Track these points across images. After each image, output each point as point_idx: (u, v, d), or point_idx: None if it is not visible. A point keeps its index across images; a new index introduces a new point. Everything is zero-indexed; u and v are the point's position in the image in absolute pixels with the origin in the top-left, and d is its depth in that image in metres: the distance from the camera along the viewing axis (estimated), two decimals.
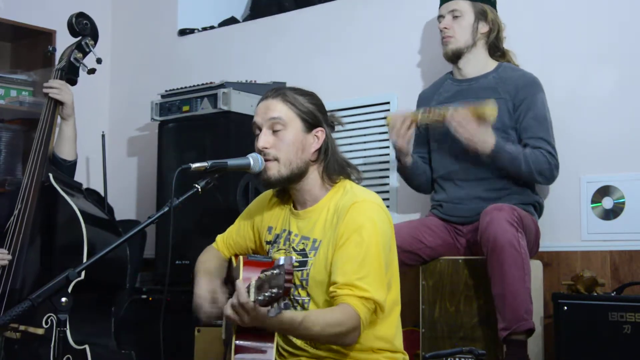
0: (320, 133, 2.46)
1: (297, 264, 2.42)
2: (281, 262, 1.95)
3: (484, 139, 3.19)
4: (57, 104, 3.53)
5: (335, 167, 2.46)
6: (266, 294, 1.95)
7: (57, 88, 3.54)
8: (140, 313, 4.05)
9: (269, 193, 2.62)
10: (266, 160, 2.41)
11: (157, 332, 2.66)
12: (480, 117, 3.15)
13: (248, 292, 2.06)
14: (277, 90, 2.46)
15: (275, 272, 1.94)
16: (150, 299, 4.06)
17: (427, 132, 3.54)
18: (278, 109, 2.42)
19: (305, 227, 2.46)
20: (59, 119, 3.59)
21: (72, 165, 3.64)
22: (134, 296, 4.07)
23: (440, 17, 3.49)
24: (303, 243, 2.45)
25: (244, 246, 2.68)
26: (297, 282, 2.42)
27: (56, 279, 2.26)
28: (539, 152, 3.27)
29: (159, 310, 3.01)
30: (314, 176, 2.46)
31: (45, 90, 3.56)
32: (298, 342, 2.38)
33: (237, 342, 2.27)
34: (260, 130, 2.44)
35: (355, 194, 2.42)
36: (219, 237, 2.76)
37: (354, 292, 2.25)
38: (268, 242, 2.57)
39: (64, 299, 2.28)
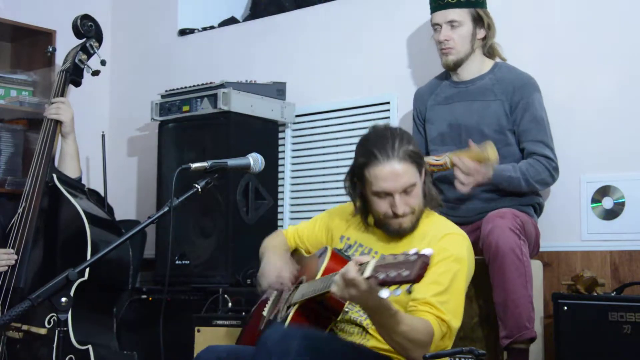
0: (424, 170, 2.52)
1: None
2: (425, 252, 1.96)
3: (485, 177, 3.16)
4: (58, 123, 3.56)
5: (429, 194, 2.55)
6: (391, 274, 1.95)
7: (55, 108, 3.57)
8: (140, 313, 4.05)
9: (342, 206, 2.73)
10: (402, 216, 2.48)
11: (157, 332, 2.67)
12: (482, 161, 3.10)
13: (363, 268, 2.05)
14: (397, 150, 2.44)
15: (412, 258, 1.95)
16: (150, 299, 4.06)
17: (425, 133, 3.54)
18: (408, 172, 2.44)
19: (386, 249, 2.50)
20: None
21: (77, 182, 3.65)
22: (134, 296, 4.07)
23: (436, 25, 3.43)
24: None
25: (313, 240, 2.77)
26: None
27: (56, 279, 2.26)
28: (536, 160, 3.25)
29: (159, 310, 3.01)
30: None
31: (45, 114, 3.59)
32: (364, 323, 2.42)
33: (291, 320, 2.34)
34: (389, 194, 2.45)
35: (447, 225, 2.55)
36: (290, 230, 2.85)
37: (433, 311, 2.34)
38: (338, 250, 2.61)
39: (64, 299, 2.28)
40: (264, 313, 2.60)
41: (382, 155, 2.42)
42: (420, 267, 1.92)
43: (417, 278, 1.93)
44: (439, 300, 2.35)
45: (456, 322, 2.41)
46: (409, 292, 1.97)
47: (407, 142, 2.46)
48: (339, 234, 2.67)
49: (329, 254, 2.46)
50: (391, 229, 2.50)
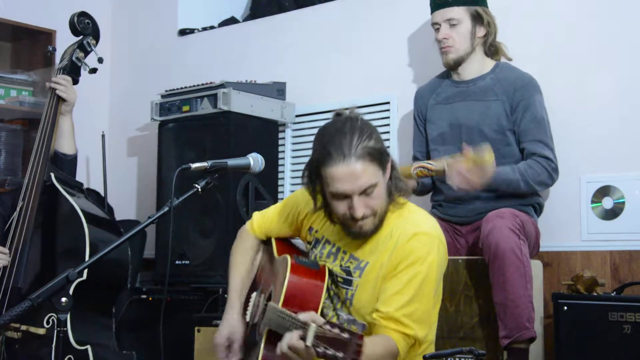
0: (388, 163, 2.35)
1: (341, 279, 2.42)
2: (360, 330, 1.93)
3: (483, 181, 3.11)
4: (60, 101, 3.53)
5: (397, 188, 2.38)
6: (329, 352, 1.90)
7: (64, 85, 3.55)
8: (140, 313, 4.05)
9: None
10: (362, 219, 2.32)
11: (157, 332, 2.67)
12: (479, 166, 3.05)
13: (305, 335, 1.96)
14: (355, 147, 2.24)
15: (346, 338, 1.89)
16: (150, 299, 4.06)
17: (425, 133, 3.54)
18: (366, 173, 2.25)
19: (354, 247, 2.41)
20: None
21: (73, 160, 3.63)
22: (134, 296, 4.07)
23: (436, 24, 3.44)
24: (350, 262, 2.42)
25: (283, 234, 2.67)
26: (341, 298, 2.41)
27: (56, 279, 2.26)
28: (535, 161, 3.25)
29: (159, 310, 3.01)
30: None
31: (53, 85, 3.55)
32: None
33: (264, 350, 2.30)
34: (347, 196, 2.27)
35: (416, 222, 2.36)
36: (255, 221, 2.71)
37: (397, 327, 2.25)
38: (309, 243, 2.56)
39: (64, 299, 2.28)
40: (247, 317, 2.58)
41: (338, 154, 2.23)
42: (353, 351, 1.87)
43: None
44: (403, 314, 2.25)
45: (423, 331, 2.30)
46: None
47: (368, 137, 2.25)
48: (308, 224, 2.56)
49: (288, 270, 2.36)
50: (352, 231, 2.35)
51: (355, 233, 2.35)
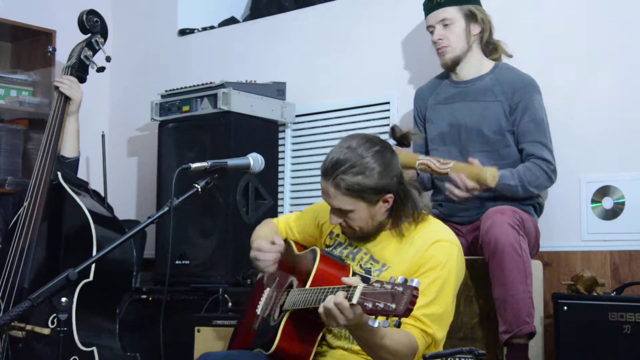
0: (388, 198, 2.39)
1: (359, 277, 2.43)
2: (414, 283, 1.95)
3: (477, 193, 3.15)
4: (67, 100, 3.53)
5: (408, 212, 2.43)
6: (379, 305, 1.93)
7: (67, 84, 3.54)
8: (140, 313, 4.05)
9: None
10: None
11: (157, 332, 2.66)
12: (481, 182, 3.09)
13: (351, 294, 2.02)
14: (337, 175, 2.31)
15: (399, 289, 1.92)
16: (150, 299, 4.06)
17: (425, 132, 3.54)
18: (339, 199, 2.34)
19: (375, 249, 2.47)
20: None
21: (72, 163, 3.63)
22: (134, 296, 4.07)
23: (430, 27, 3.45)
24: (371, 264, 2.46)
25: (301, 240, 2.74)
26: None
27: (56, 279, 2.26)
28: (534, 164, 3.25)
29: (159, 310, 3.00)
30: (385, 222, 2.46)
31: (56, 83, 3.56)
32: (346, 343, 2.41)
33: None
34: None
35: (436, 231, 2.45)
36: (281, 220, 2.81)
37: (417, 324, 2.30)
38: (328, 246, 2.60)
39: (64, 299, 2.28)
40: (258, 311, 2.59)
41: (324, 167, 2.36)
42: (407, 301, 1.91)
43: (406, 312, 1.93)
44: (424, 313, 2.30)
45: (441, 333, 2.37)
46: (398, 325, 1.96)
47: (359, 172, 2.30)
48: (329, 229, 2.62)
49: (318, 257, 2.43)
50: (347, 233, 2.49)
51: (351, 236, 2.49)
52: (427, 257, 2.36)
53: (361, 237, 2.46)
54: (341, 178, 2.30)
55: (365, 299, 1.96)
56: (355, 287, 2.02)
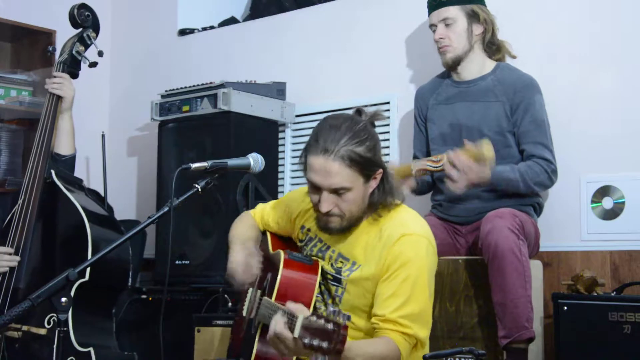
0: (378, 174, 2.35)
1: (330, 277, 2.43)
2: (344, 321, 1.91)
3: (482, 176, 3.09)
4: (59, 98, 3.51)
5: (388, 197, 2.38)
6: (314, 343, 1.90)
7: (58, 83, 3.52)
8: (140, 313, 4.05)
9: (304, 190, 2.53)
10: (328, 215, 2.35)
11: (157, 332, 2.66)
12: (478, 160, 3.03)
13: (292, 325, 1.97)
14: (340, 147, 2.25)
15: (330, 328, 1.89)
16: (150, 299, 4.06)
17: (426, 132, 3.54)
18: (341, 175, 2.26)
19: (344, 246, 2.43)
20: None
21: (68, 160, 3.61)
22: (134, 296, 4.07)
23: (432, 26, 3.45)
24: (341, 262, 2.44)
25: (276, 230, 2.71)
26: (332, 294, 2.43)
27: (56, 279, 2.25)
28: (534, 162, 3.25)
29: (159, 310, 3.01)
30: (367, 209, 2.40)
31: (46, 87, 3.55)
32: None
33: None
34: (319, 188, 2.30)
35: (404, 223, 2.37)
36: (258, 211, 2.75)
37: (396, 327, 2.26)
38: (301, 241, 2.57)
39: (63, 299, 2.27)
40: (244, 312, 2.59)
41: (321, 146, 2.25)
42: (337, 341, 1.87)
43: (337, 353, 1.88)
44: (400, 315, 2.26)
45: (423, 331, 2.32)
46: None
47: (359, 142, 2.26)
48: (301, 222, 2.58)
49: (282, 263, 2.39)
50: (320, 224, 2.39)
51: (323, 227, 2.39)
52: (395, 254, 2.31)
53: (341, 229, 2.37)
54: (346, 149, 2.24)
55: (304, 334, 1.92)
56: (296, 319, 1.95)
